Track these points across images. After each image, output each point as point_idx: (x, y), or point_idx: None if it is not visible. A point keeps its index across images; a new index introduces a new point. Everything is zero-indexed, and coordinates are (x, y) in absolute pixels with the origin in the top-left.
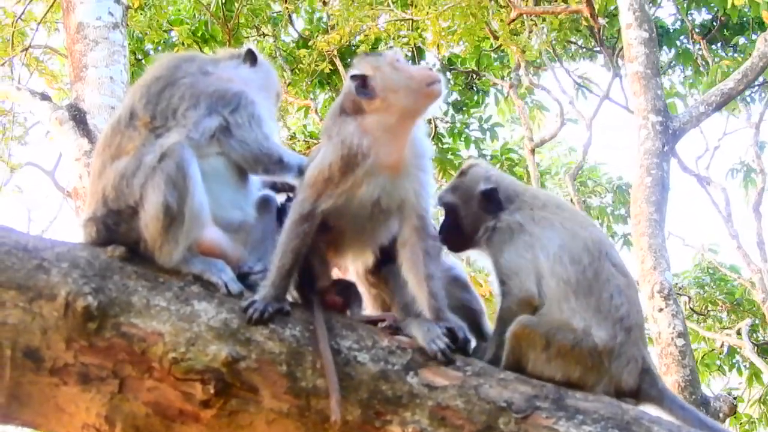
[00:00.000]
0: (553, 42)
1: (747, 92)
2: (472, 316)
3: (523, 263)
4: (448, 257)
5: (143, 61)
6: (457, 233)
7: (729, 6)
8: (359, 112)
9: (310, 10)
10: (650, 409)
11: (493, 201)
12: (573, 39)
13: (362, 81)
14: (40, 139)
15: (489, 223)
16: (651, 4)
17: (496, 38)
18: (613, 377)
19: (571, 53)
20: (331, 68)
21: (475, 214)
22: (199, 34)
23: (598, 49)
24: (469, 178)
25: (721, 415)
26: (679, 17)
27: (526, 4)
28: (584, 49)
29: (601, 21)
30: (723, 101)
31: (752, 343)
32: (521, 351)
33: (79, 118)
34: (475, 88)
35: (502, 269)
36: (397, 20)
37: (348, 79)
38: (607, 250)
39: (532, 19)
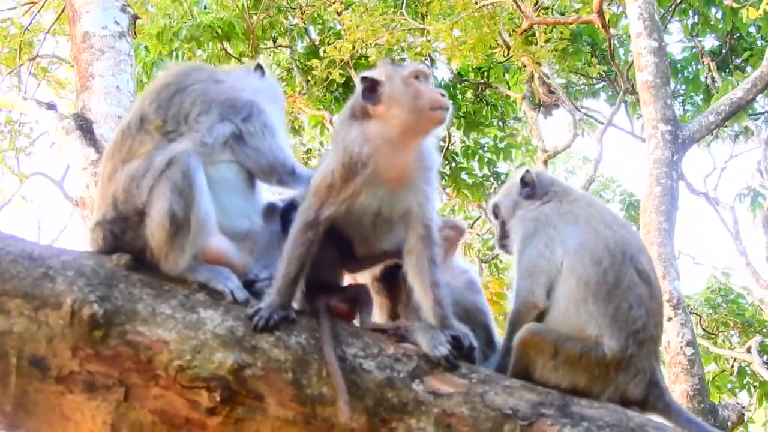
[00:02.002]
0: (558, 68)
1: (757, 118)
2: (482, 321)
3: (540, 264)
4: (462, 260)
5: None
6: (504, 231)
7: (744, 19)
8: (366, 117)
9: (321, 22)
10: (657, 419)
11: (528, 184)
12: (576, 70)
13: (372, 85)
14: (47, 149)
15: (522, 211)
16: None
17: (508, 48)
18: (619, 387)
19: (574, 92)
20: (346, 79)
21: (515, 204)
22: (223, 31)
23: (600, 85)
24: (512, 176)
25: (729, 423)
26: (688, 45)
27: (538, 15)
28: (585, 87)
29: (613, 32)
30: (732, 111)
31: (763, 361)
32: (529, 358)
33: (85, 127)
34: (485, 102)
35: (521, 267)
36: (409, 29)
37: (359, 80)
38: (633, 253)
39: (539, 28)
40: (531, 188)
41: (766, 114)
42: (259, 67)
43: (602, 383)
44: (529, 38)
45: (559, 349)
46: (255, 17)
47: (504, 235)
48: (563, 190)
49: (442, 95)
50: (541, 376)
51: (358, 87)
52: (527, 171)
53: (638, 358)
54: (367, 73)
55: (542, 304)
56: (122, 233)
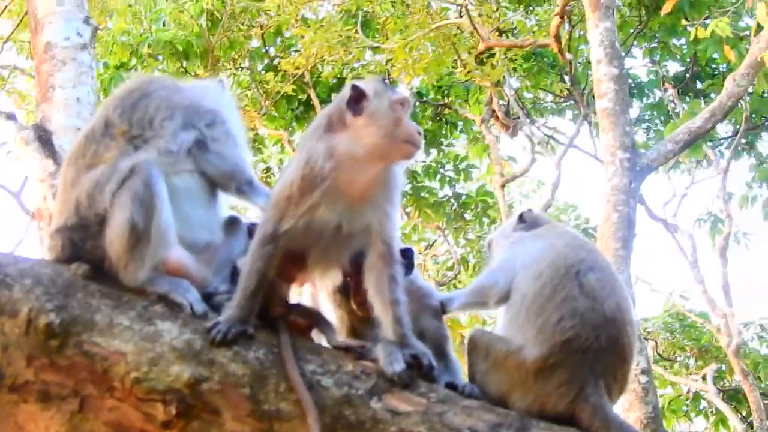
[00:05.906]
0: (520, 85)
1: (717, 146)
2: (439, 342)
3: (507, 264)
4: (424, 282)
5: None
6: None
7: (692, 38)
8: (340, 127)
9: (282, 40)
10: None
11: (523, 221)
12: (543, 87)
13: (359, 96)
14: (2, 160)
15: (505, 240)
16: (623, 54)
17: (465, 66)
18: (539, 398)
19: (540, 110)
20: (307, 98)
21: (505, 238)
22: (182, 50)
23: (567, 103)
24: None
25: None
26: (653, 69)
27: (494, 38)
28: (553, 105)
29: (569, 56)
30: (691, 140)
31: (717, 389)
32: (471, 361)
33: (44, 138)
34: (444, 120)
35: (493, 264)
36: (364, 47)
37: (348, 87)
38: (582, 269)
39: (495, 51)
40: (528, 225)
41: (728, 141)
42: (219, 82)
43: (522, 390)
44: (485, 60)
45: (490, 350)
46: (214, 37)
47: None
48: (552, 224)
49: (419, 133)
50: (482, 382)
51: (345, 92)
52: (529, 210)
53: (563, 369)
54: (359, 83)
55: (494, 293)
56: (82, 242)
